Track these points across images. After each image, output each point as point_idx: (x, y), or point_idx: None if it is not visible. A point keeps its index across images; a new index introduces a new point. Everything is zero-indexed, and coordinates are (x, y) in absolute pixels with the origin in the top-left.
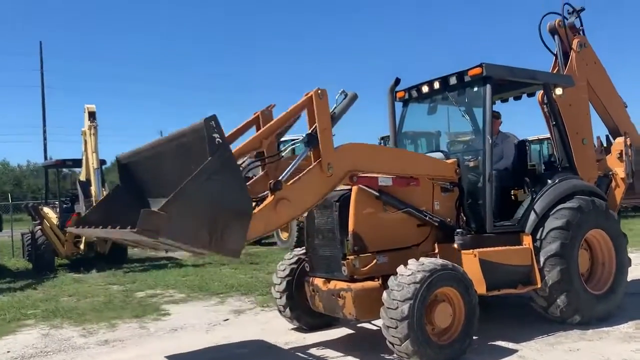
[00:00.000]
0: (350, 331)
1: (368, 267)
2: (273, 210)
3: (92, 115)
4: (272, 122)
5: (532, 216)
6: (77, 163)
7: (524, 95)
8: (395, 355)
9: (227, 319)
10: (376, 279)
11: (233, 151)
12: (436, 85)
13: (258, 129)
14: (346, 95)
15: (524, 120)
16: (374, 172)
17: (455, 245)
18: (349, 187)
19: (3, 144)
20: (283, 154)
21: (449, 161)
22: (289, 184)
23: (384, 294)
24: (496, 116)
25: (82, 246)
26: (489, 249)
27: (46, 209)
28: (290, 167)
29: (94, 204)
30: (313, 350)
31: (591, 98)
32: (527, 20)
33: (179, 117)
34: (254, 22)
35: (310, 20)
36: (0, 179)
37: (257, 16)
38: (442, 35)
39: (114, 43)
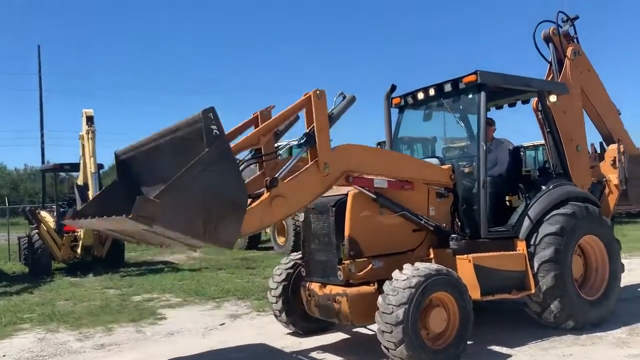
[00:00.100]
0: (346, 336)
1: (364, 271)
2: (268, 206)
3: (90, 120)
4: (270, 120)
5: (527, 222)
6: (74, 167)
7: (519, 102)
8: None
9: (224, 324)
10: (372, 284)
11: (231, 147)
12: (431, 92)
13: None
14: (344, 97)
15: (523, 127)
16: (370, 173)
17: (450, 251)
18: (345, 191)
19: (0, 148)
20: (280, 152)
21: (444, 167)
22: (285, 181)
23: (379, 299)
24: (490, 123)
25: (79, 250)
26: (483, 254)
27: (43, 213)
28: (287, 164)
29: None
30: (309, 355)
31: (585, 105)
32: (523, 25)
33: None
34: (253, 23)
35: (311, 20)
36: None
37: (257, 16)
38: (442, 39)
39: (112, 47)
